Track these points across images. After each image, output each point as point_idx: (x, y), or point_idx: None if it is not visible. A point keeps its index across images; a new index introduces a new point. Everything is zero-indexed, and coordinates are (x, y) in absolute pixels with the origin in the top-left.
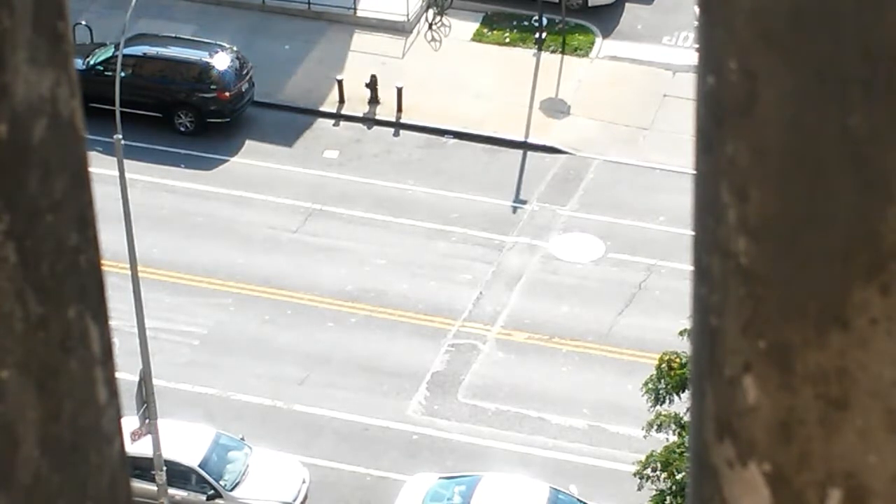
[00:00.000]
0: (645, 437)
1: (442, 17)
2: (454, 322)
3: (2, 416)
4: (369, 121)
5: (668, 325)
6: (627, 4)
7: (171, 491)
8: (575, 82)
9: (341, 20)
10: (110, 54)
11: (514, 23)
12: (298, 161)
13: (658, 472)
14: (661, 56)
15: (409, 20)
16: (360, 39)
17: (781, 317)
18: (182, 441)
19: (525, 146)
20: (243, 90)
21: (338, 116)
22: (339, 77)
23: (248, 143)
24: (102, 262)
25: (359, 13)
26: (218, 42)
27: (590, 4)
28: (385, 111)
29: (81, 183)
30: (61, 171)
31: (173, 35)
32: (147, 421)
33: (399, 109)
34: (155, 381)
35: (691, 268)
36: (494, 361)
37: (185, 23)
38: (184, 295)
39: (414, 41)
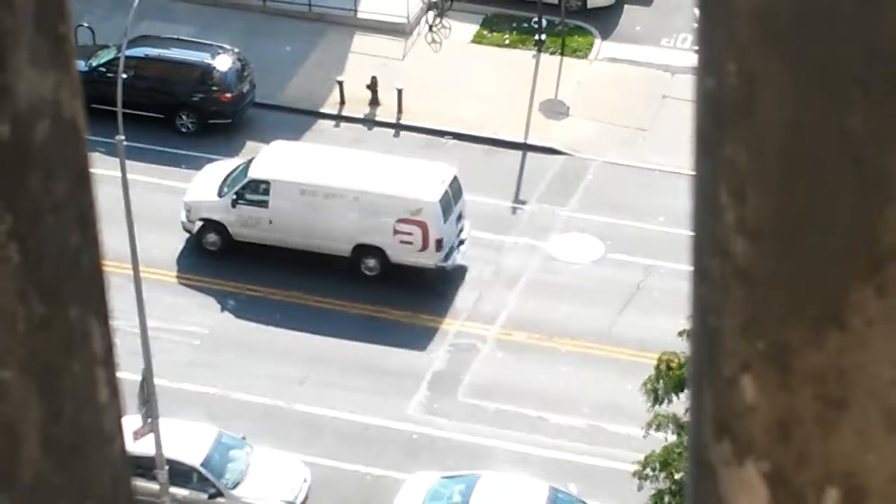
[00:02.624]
0: (644, 436)
1: (442, 18)
2: (454, 322)
3: (4, 415)
4: (370, 122)
5: (668, 325)
6: (626, 6)
7: (173, 490)
8: (574, 84)
9: (342, 22)
10: (112, 56)
11: (514, 25)
12: None
13: (657, 472)
14: (659, 58)
15: (409, 22)
16: (361, 41)
17: (780, 317)
18: (184, 440)
19: (525, 147)
20: (244, 91)
21: (338, 118)
22: (339, 78)
23: (248, 144)
24: (104, 262)
25: (359, 15)
26: (219, 44)
27: (589, 6)
28: (385, 112)
29: (83, 184)
30: (63, 172)
31: (175, 37)
32: (149, 420)
33: (399, 111)
34: (156, 381)
35: (690, 268)
36: (494, 361)
37: (186, 24)
38: (184, 295)
39: (414, 43)
